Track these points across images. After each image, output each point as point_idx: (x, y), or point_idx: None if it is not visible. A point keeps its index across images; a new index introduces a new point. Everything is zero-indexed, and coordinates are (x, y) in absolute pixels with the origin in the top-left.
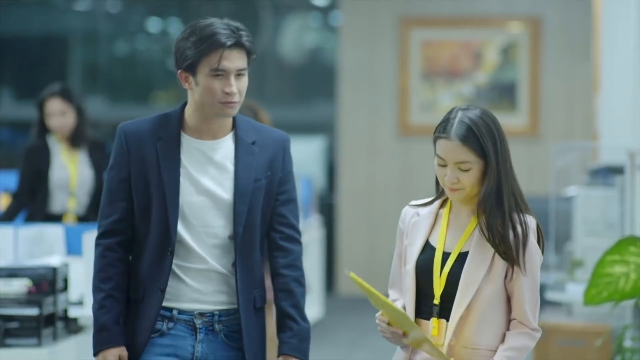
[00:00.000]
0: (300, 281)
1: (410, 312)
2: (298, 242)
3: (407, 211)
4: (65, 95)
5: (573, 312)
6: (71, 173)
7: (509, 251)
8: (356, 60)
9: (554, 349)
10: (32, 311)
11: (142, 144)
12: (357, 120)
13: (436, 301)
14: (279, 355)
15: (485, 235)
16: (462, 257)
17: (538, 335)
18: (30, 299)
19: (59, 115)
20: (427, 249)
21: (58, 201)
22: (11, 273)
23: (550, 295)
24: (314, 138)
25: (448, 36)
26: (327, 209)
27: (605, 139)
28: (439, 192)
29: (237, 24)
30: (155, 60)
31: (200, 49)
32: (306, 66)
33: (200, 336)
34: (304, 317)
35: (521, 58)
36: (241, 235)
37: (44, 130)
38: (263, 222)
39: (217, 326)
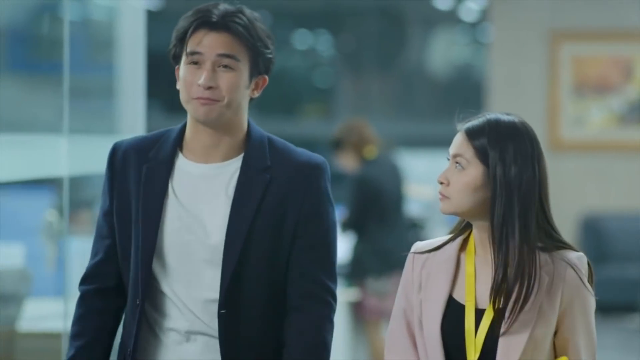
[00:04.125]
0: (313, 351)
1: None
2: (320, 300)
3: (416, 258)
4: None
5: None
6: None
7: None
8: (505, 74)
9: None
10: None
11: (128, 167)
12: None
13: None
14: None
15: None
16: (499, 314)
17: None
18: None
19: None
20: (452, 307)
21: None
22: None
23: None
24: None
25: (598, 51)
26: None
27: None
28: (460, 228)
29: (243, 9)
30: (302, 74)
31: (178, 32)
32: (454, 81)
33: None
34: None
35: None
36: (227, 287)
37: None
38: (271, 271)
39: None
